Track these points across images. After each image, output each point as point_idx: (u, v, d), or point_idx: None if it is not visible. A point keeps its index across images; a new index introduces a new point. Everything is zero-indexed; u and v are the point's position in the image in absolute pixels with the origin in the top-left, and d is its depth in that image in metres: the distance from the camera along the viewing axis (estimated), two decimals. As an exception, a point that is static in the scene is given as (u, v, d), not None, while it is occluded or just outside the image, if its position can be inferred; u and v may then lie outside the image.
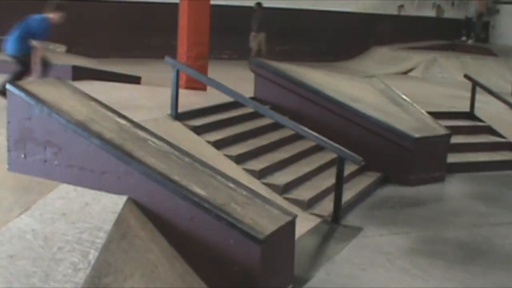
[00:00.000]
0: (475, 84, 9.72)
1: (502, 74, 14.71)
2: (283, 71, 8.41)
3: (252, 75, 8.61)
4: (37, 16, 7.17)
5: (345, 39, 16.23)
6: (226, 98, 7.22)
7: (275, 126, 7.43)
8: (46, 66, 7.29)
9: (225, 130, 7.03)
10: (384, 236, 5.93)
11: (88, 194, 4.46)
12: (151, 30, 13.56)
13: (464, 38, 17.73)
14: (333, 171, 6.42)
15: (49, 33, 7.27)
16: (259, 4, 13.78)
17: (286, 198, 6.27)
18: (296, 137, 7.42)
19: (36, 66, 7.07)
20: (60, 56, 12.29)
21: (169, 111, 6.89)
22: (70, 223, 4.13)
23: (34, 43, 7.04)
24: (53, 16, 7.18)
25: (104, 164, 4.50)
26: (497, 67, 15.19)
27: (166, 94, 7.06)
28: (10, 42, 7.17)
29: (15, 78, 6.96)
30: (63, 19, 7.29)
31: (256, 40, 13.74)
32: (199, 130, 6.77)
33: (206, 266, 4.30)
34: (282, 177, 6.60)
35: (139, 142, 4.86)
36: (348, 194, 6.65)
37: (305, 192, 6.51)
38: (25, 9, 12.52)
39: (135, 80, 9.73)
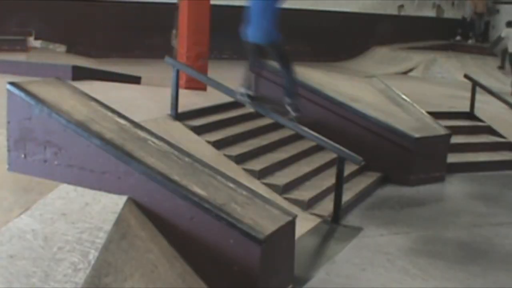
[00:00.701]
0: (475, 84, 9.72)
1: (502, 74, 14.72)
2: (283, 71, 8.40)
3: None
4: None
5: (345, 39, 16.21)
6: (226, 98, 7.23)
7: (275, 126, 7.43)
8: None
9: (225, 130, 7.03)
10: (384, 236, 5.93)
11: (88, 194, 4.46)
12: (151, 30, 13.54)
13: (458, 38, 17.75)
14: (333, 171, 6.42)
15: None
16: None
17: (286, 198, 6.27)
18: (296, 137, 7.42)
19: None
20: (60, 56, 12.33)
21: (169, 111, 6.89)
22: (70, 223, 4.12)
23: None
24: None
25: (104, 164, 4.50)
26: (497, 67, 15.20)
27: (166, 94, 7.06)
28: (259, 28, 6.19)
29: (290, 72, 6.42)
30: None
31: (178, 38, 13.24)
32: (199, 130, 6.77)
33: (206, 266, 4.30)
34: (282, 177, 6.59)
35: (139, 142, 4.86)
36: (348, 194, 6.65)
37: (305, 192, 6.51)
38: (23, 9, 12.51)
39: (135, 80, 9.72)
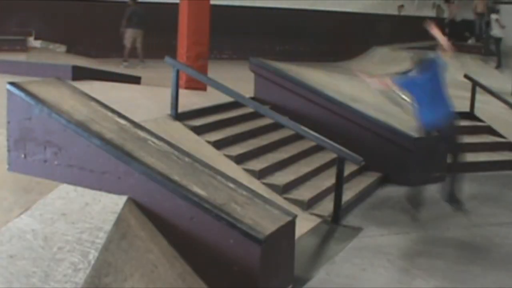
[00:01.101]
0: (475, 84, 9.72)
1: (502, 74, 14.72)
2: (283, 71, 8.41)
3: (252, 75, 8.61)
4: (438, 63, 6.32)
5: (345, 39, 16.21)
6: (226, 98, 7.22)
7: (275, 126, 7.43)
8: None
9: (225, 130, 7.03)
10: (384, 236, 5.93)
11: (88, 194, 4.46)
12: (151, 30, 13.54)
13: None
14: (333, 171, 6.42)
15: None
16: None
17: (286, 198, 6.27)
18: (296, 137, 7.42)
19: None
20: (60, 56, 12.33)
21: (169, 111, 6.89)
22: (70, 223, 4.13)
23: None
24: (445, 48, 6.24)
25: (104, 164, 4.50)
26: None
27: (166, 94, 7.06)
28: (439, 111, 6.09)
29: (458, 157, 6.29)
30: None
31: (129, 37, 12.71)
32: (199, 130, 6.77)
33: (206, 266, 4.30)
34: (282, 177, 6.60)
35: (139, 142, 4.86)
36: (348, 194, 6.65)
37: (305, 192, 6.51)
38: (23, 9, 12.50)
39: (135, 80, 9.73)
